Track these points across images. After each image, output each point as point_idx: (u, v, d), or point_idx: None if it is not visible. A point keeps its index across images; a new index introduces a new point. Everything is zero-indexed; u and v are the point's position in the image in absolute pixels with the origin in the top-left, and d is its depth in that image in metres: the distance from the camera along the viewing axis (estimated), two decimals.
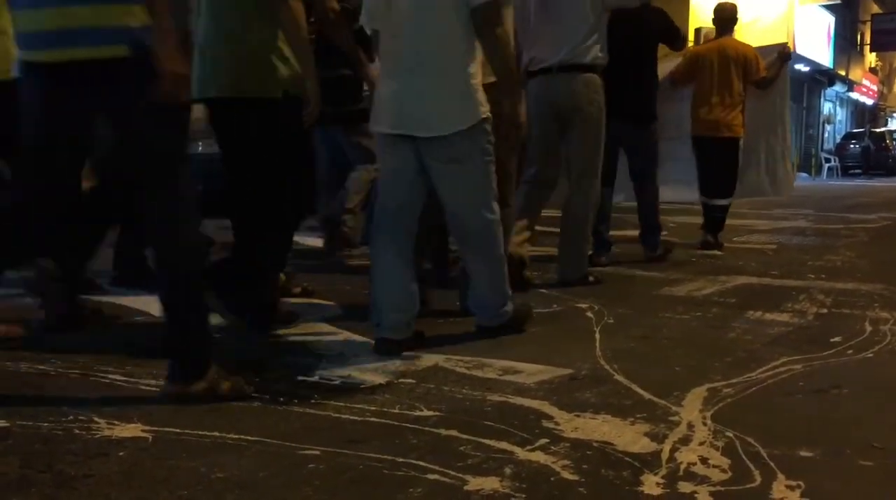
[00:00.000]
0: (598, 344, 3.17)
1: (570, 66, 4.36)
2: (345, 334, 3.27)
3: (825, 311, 3.95)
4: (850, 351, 3.14)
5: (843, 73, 30.39)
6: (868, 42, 32.51)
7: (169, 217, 2.32)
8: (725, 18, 6.23)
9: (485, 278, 3.19)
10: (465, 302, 3.42)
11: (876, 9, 32.68)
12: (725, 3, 6.33)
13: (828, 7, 27.09)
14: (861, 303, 4.13)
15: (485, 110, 3.00)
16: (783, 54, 6.45)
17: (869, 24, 31.65)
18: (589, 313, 3.76)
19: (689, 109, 6.17)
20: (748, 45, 6.38)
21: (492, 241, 3.12)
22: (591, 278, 4.58)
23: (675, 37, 5.45)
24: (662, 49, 5.51)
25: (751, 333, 3.43)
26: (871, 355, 3.09)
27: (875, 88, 36.66)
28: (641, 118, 5.33)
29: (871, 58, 35.79)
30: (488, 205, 3.08)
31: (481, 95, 3.00)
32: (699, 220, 6.51)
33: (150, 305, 3.72)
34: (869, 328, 3.52)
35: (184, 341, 2.38)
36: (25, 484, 1.76)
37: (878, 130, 31.26)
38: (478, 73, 3.00)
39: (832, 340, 3.30)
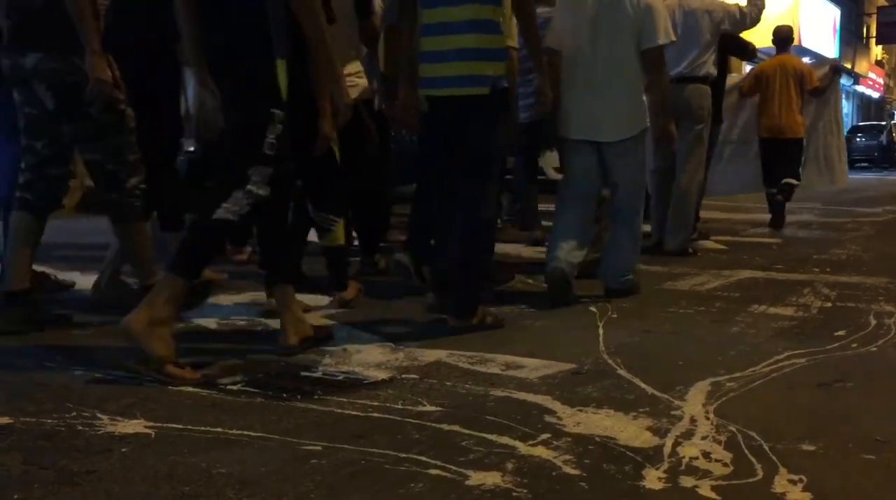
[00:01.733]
0: (601, 339, 3.17)
1: (686, 78, 5.39)
2: (348, 330, 3.27)
3: (829, 305, 3.94)
4: (854, 345, 3.13)
5: (848, 65, 30.28)
6: (874, 35, 32.39)
7: (484, 201, 3.32)
8: (783, 38, 7.59)
9: (627, 245, 4.02)
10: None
11: (882, 1, 32.55)
12: (783, 26, 7.75)
13: (833, 0, 26.99)
14: (866, 297, 4.12)
15: (646, 120, 3.99)
16: (834, 67, 7.93)
17: (875, 16, 31.53)
18: (592, 308, 3.76)
19: (756, 116, 7.42)
20: (803, 62, 7.93)
21: (638, 217, 4.04)
22: (690, 250, 5.54)
23: (745, 49, 6.47)
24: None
25: (754, 327, 3.42)
26: (874, 348, 3.09)
27: (881, 80, 36.52)
28: (716, 120, 6.14)
29: (877, 51, 35.66)
30: (643, 189, 4.10)
31: (644, 108, 4.00)
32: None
33: None
34: (873, 322, 3.51)
35: (468, 286, 3.35)
36: (28, 480, 1.77)
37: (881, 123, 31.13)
38: (642, 91, 3.97)
39: (836, 333, 3.29)
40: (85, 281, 3.97)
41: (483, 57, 3.22)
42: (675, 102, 4.83)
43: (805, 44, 21.56)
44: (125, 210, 3.27)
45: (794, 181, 7.35)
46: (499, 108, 3.29)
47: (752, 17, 5.78)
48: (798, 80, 7.27)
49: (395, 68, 3.64)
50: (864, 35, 32.96)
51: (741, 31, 5.94)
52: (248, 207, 2.72)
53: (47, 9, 3.00)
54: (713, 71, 5.57)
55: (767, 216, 7.54)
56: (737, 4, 5.91)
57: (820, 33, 25.64)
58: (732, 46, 6.10)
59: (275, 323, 3.33)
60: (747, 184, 7.62)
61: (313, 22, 2.93)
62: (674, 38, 4.09)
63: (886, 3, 31.94)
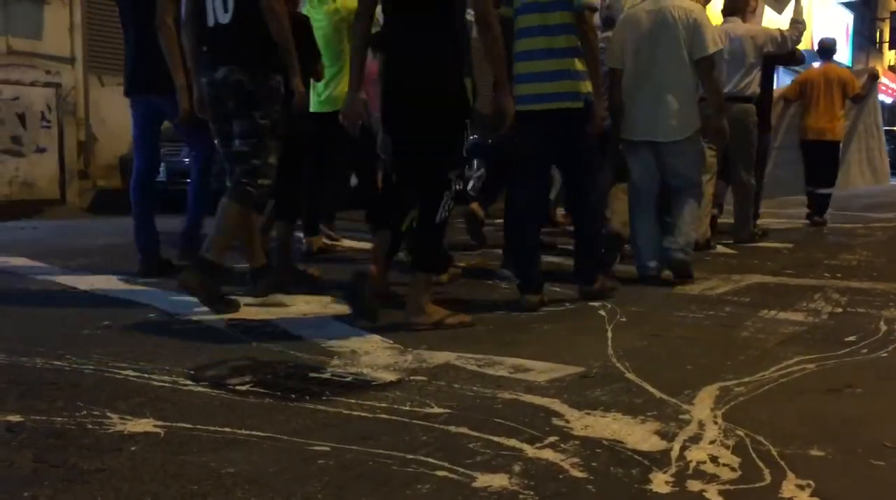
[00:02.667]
0: (609, 342, 3.16)
1: (733, 97, 6.03)
2: (357, 332, 3.28)
3: (840, 310, 3.92)
4: (864, 350, 3.12)
5: (832, 55, 30.05)
6: (887, 40, 32.22)
7: (591, 188, 4.05)
8: (827, 49, 8.41)
9: (685, 230, 4.59)
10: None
11: (895, 6, 32.37)
12: (827, 38, 8.70)
13: (846, 4, 26.88)
14: (876, 302, 4.10)
15: (698, 123, 4.56)
16: (872, 75, 8.68)
17: (888, 21, 31.36)
18: (601, 312, 3.75)
19: (799, 121, 8.20)
20: (846, 70, 8.83)
21: (696, 202, 4.72)
22: (758, 233, 6.74)
23: (793, 57, 7.02)
24: None
25: (764, 332, 3.41)
26: (885, 354, 3.07)
27: (894, 86, 36.34)
28: (766, 130, 7.04)
29: (890, 55, 35.47)
30: (698, 180, 4.77)
31: (697, 112, 4.56)
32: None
33: (161, 300, 3.75)
34: (884, 328, 3.50)
35: (594, 258, 4.11)
36: (39, 478, 1.78)
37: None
38: (695, 96, 4.57)
39: (846, 339, 3.28)
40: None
41: (578, 77, 3.90)
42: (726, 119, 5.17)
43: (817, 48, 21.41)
44: (246, 197, 3.69)
45: (828, 191, 8.35)
46: (589, 116, 3.94)
47: (793, 39, 6.44)
48: (841, 87, 8.04)
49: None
50: (878, 40, 32.79)
51: (783, 53, 6.51)
52: (452, 202, 3.41)
53: (235, 35, 3.67)
54: (757, 90, 6.38)
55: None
56: (778, 28, 6.56)
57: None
58: (781, 56, 6.74)
59: (285, 324, 3.35)
60: (791, 186, 8.33)
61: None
62: (721, 46, 4.64)
63: None
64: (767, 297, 4.24)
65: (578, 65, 3.87)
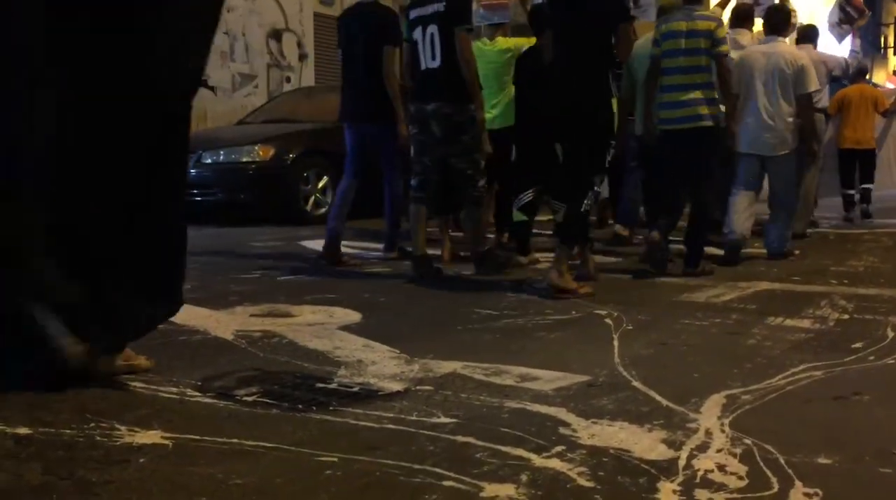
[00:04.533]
0: (616, 351, 3.16)
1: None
2: (363, 341, 3.28)
3: (847, 317, 3.91)
4: (871, 357, 3.11)
5: (866, 76, 30.05)
6: (892, 45, 32.16)
7: (708, 190, 5.23)
8: (862, 71, 10.33)
9: (782, 225, 6.06)
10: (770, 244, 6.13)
11: None
12: (863, 62, 11.00)
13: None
14: (883, 309, 4.09)
15: (795, 141, 5.89)
16: None
17: (893, 26, 31.32)
18: (608, 320, 3.75)
19: (836, 132, 9.70)
20: (877, 89, 11.22)
21: (791, 205, 6.09)
22: (807, 234, 7.41)
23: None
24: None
25: (771, 339, 3.41)
26: (892, 361, 3.06)
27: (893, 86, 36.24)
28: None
29: (894, 60, 35.40)
30: (794, 185, 6.19)
31: (795, 133, 5.86)
32: None
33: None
34: (891, 334, 3.49)
35: (698, 246, 5.18)
36: (47, 490, 1.79)
37: None
38: (794, 122, 5.84)
39: (853, 346, 3.27)
40: None
41: (711, 104, 5.09)
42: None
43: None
44: (475, 199, 5.02)
45: (870, 186, 9.88)
46: (719, 134, 5.16)
47: (853, 67, 9.10)
48: (873, 104, 9.76)
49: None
50: (882, 45, 32.72)
51: (845, 78, 9.03)
52: (594, 199, 4.54)
53: (442, 77, 4.80)
54: (826, 104, 7.97)
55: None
56: (844, 57, 9.10)
57: (837, 44, 25.50)
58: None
59: (291, 334, 3.36)
60: (829, 188, 9.71)
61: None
62: (818, 87, 6.22)
63: None
64: (774, 304, 4.23)
65: (710, 94, 5.08)
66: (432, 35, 4.80)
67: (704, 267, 5.14)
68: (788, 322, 3.76)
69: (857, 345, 3.28)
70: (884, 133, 10.56)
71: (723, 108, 5.18)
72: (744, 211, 5.81)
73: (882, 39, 32.47)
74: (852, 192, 9.88)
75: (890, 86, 33.60)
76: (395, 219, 5.77)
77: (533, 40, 5.61)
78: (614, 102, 4.63)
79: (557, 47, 4.55)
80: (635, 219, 6.87)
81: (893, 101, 10.44)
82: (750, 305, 4.21)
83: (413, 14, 4.97)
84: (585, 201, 4.39)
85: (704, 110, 5.03)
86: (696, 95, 5.04)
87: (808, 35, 7.93)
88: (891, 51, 32.89)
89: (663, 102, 5.17)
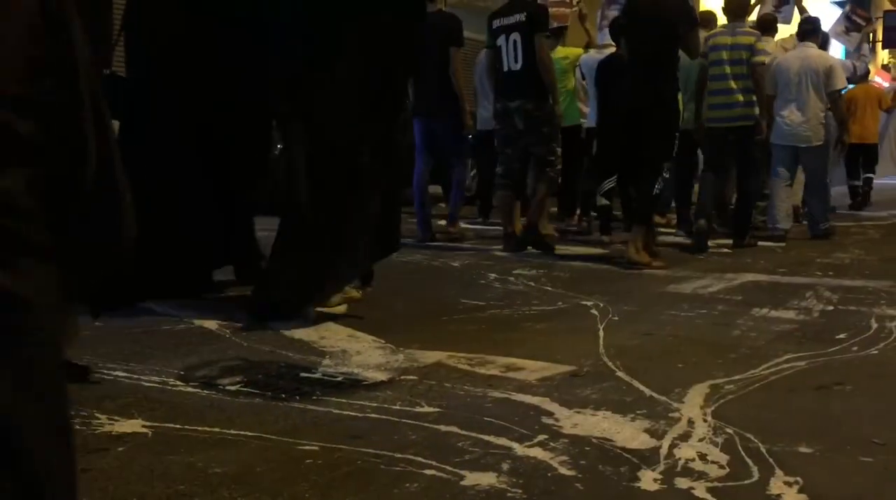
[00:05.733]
0: (601, 341, 3.16)
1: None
2: (348, 331, 3.27)
3: (831, 308, 3.93)
4: (854, 348, 3.12)
5: (868, 78, 30.07)
6: (880, 39, 32.25)
7: (752, 176, 6.43)
8: (865, 76, 11.34)
9: (818, 208, 7.01)
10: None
11: (888, 5, 32.39)
12: (865, 69, 11.49)
13: (839, 3, 26.87)
14: (868, 300, 4.11)
15: (826, 134, 6.73)
16: None
17: (881, 20, 31.40)
18: (594, 311, 3.75)
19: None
20: (879, 88, 12.47)
21: (825, 190, 7.04)
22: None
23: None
24: None
25: (755, 330, 3.42)
26: (875, 352, 3.08)
27: (887, 85, 36.38)
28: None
29: (883, 55, 35.50)
30: (826, 173, 7.00)
31: (825, 126, 6.70)
32: None
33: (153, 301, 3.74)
34: (875, 325, 3.50)
35: (745, 222, 6.30)
36: None
37: None
38: (824, 116, 6.73)
39: (837, 337, 3.28)
40: None
41: (750, 105, 6.11)
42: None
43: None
44: (552, 182, 5.83)
45: (872, 175, 11.06)
46: (758, 130, 6.17)
47: (860, 69, 10.77)
48: (877, 101, 10.92)
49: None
50: (871, 39, 32.81)
51: (852, 81, 10.07)
52: (662, 183, 5.23)
53: (523, 78, 5.55)
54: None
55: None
56: (852, 62, 10.56)
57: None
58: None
59: (276, 324, 3.34)
60: (836, 178, 10.15)
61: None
62: (847, 85, 7.45)
63: (893, 8, 31.80)
64: (760, 295, 4.24)
65: (750, 97, 6.08)
66: (515, 41, 5.57)
67: (749, 240, 6.24)
68: (774, 313, 3.77)
69: (841, 336, 3.29)
70: (885, 127, 11.54)
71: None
72: (782, 203, 6.72)
73: (871, 33, 32.53)
74: (858, 183, 10.86)
75: (878, 79, 33.71)
76: (457, 201, 6.57)
77: (580, 51, 7.13)
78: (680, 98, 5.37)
79: (631, 53, 5.35)
80: (668, 207, 7.66)
81: (893, 97, 12.00)
82: (736, 296, 4.22)
83: (496, 24, 5.73)
84: (656, 186, 5.13)
85: (746, 111, 6.08)
86: (739, 98, 6.06)
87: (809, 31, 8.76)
88: (879, 45, 32.97)
89: (711, 104, 6.17)
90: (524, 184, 6.21)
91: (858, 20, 12.02)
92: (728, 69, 6.10)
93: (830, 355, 3.00)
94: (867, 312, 3.80)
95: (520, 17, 5.60)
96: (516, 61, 5.57)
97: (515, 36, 5.58)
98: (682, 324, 3.54)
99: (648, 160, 5.17)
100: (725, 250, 6.09)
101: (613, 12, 8.05)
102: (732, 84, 6.08)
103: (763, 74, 6.20)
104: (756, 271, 5.10)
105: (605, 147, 6.33)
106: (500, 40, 5.66)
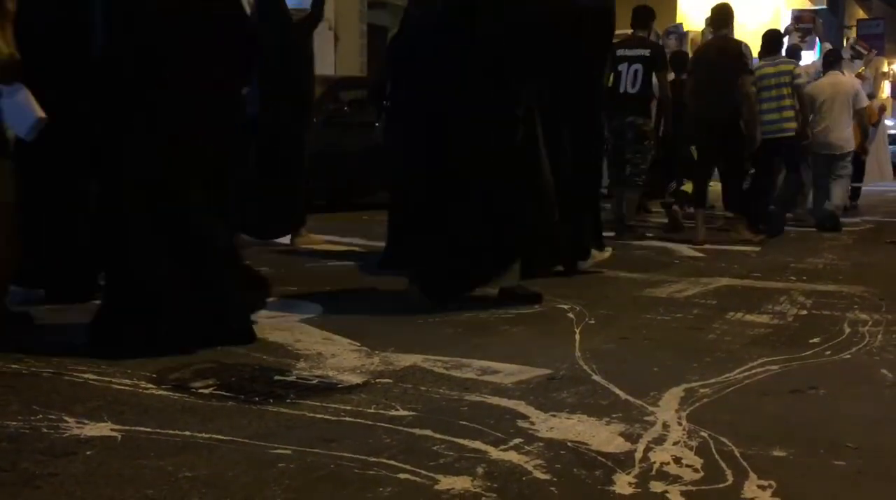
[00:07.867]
0: (577, 345, 3.16)
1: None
2: (324, 334, 3.25)
3: (805, 312, 3.95)
4: (828, 352, 3.14)
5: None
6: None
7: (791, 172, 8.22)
8: (832, 61, 10.75)
9: (839, 197, 8.54)
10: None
11: (861, 14, 32.84)
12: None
13: (814, 12, 27.19)
14: (841, 305, 4.14)
15: (854, 144, 8.72)
16: (881, 107, 13.15)
17: (854, 29, 31.79)
18: (570, 314, 3.75)
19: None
20: (871, 102, 11.99)
21: (843, 185, 8.75)
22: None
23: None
24: None
25: (730, 334, 3.43)
26: (848, 356, 3.10)
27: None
28: None
29: (858, 62, 35.95)
30: (851, 174, 8.93)
31: (853, 137, 8.68)
32: None
33: None
34: (847, 330, 3.53)
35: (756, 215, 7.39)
36: None
37: None
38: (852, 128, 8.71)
39: (811, 341, 3.30)
40: None
41: (793, 119, 7.63)
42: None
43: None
44: (636, 186, 7.16)
45: (860, 184, 11.69)
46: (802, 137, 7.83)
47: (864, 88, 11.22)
48: (869, 115, 11.57)
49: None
50: (845, 47, 33.21)
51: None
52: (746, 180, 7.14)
53: (636, 99, 6.96)
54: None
55: None
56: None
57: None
58: None
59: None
60: None
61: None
62: (868, 103, 9.02)
63: (866, 16, 32.22)
64: (734, 299, 4.26)
65: (790, 114, 7.59)
66: (636, 71, 6.90)
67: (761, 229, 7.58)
68: (748, 317, 3.79)
69: (815, 340, 3.32)
70: (873, 136, 12.11)
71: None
72: (823, 199, 8.50)
73: (844, 41, 32.93)
74: (858, 185, 11.70)
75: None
76: None
77: None
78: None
79: (696, 73, 7.14)
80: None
81: (881, 107, 13.50)
82: (711, 300, 4.24)
83: (619, 52, 6.82)
84: (742, 182, 7.02)
85: (788, 125, 7.63)
86: (783, 114, 7.63)
87: (832, 60, 9.76)
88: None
89: (763, 121, 7.46)
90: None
91: (861, 50, 14.54)
92: (774, 92, 7.69)
93: (804, 360, 3.01)
94: (840, 316, 3.83)
95: (643, 51, 6.94)
96: (633, 86, 6.89)
97: (636, 66, 6.88)
98: (658, 328, 3.55)
99: (730, 163, 6.88)
100: (699, 255, 6.13)
101: (671, 40, 9.90)
102: (778, 104, 7.64)
103: (802, 93, 7.80)
104: (731, 275, 5.13)
105: (701, 153, 7.38)
106: (622, 66, 6.87)
